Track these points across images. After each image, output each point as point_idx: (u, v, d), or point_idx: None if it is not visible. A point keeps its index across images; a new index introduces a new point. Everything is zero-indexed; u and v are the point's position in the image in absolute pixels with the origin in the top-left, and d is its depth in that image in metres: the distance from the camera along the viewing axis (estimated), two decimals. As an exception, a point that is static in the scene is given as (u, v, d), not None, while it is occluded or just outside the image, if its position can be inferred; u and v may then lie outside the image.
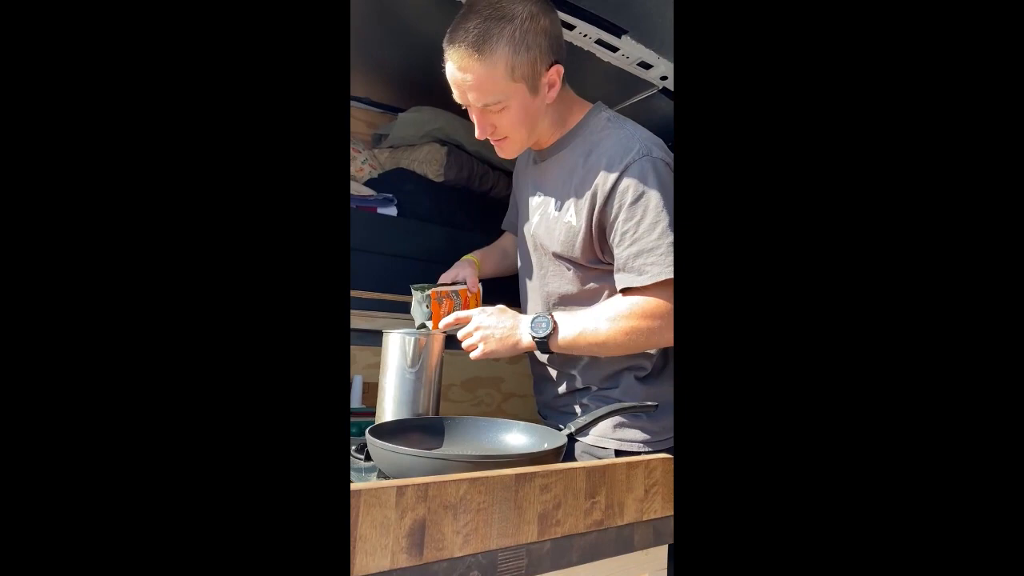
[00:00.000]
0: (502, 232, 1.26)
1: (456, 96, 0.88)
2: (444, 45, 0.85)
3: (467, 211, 1.54)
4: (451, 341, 0.93)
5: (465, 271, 1.07)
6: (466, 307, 1.01)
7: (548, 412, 1.04)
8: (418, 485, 0.47)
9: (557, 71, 0.87)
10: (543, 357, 0.99)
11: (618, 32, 1.21)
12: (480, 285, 1.05)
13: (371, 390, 1.24)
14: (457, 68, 0.84)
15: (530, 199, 1.01)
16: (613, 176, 0.85)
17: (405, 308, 0.98)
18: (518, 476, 0.53)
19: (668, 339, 0.87)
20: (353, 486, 0.45)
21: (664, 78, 1.35)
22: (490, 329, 0.89)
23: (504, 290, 1.10)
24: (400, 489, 0.46)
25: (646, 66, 1.30)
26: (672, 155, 0.88)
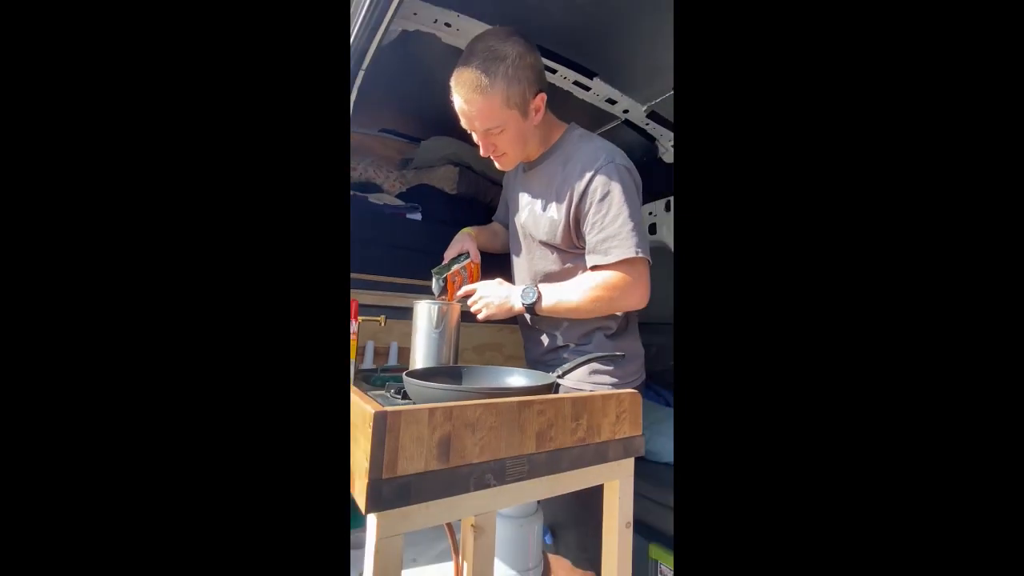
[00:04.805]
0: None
1: (463, 123, 0.88)
2: (451, 83, 0.85)
3: (475, 217, 1.54)
4: (466, 315, 0.93)
5: (467, 243, 1.06)
6: (471, 279, 1.02)
7: (537, 366, 1.03)
8: (445, 408, 0.47)
9: (541, 98, 0.87)
10: (530, 320, 1.00)
11: (590, 75, 1.20)
12: (479, 255, 1.05)
13: (404, 353, 1.25)
14: (464, 101, 0.84)
15: (520, 197, 1.01)
16: (585, 180, 0.85)
17: (428, 289, 0.99)
18: (520, 403, 0.53)
19: (624, 305, 0.88)
20: (394, 408, 0.45)
21: (626, 111, 1.34)
22: (490, 297, 0.91)
23: (500, 268, 1.10)
24: (431, 411, 0.46)
25: (612, 102, 1.30)
26: (631, 162, 0.88)
